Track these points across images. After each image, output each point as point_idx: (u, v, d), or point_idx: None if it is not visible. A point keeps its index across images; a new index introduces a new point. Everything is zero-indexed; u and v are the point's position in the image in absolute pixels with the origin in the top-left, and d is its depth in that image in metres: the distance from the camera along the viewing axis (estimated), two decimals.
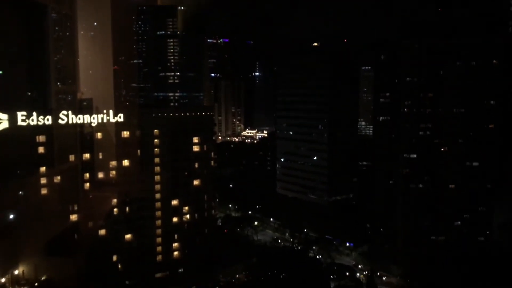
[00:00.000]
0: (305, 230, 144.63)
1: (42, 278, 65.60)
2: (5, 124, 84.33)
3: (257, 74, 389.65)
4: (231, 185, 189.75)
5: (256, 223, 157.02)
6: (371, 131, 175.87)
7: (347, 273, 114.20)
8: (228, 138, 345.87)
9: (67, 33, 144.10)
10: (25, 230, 68.32)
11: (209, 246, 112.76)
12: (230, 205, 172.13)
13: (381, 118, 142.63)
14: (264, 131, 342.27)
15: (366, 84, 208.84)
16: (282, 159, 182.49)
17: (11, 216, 75.53)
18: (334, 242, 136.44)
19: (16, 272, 64.71)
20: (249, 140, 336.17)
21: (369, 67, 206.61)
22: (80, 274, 67.69)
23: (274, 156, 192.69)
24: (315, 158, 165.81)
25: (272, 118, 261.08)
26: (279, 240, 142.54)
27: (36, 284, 64.27)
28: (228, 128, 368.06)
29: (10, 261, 64.24)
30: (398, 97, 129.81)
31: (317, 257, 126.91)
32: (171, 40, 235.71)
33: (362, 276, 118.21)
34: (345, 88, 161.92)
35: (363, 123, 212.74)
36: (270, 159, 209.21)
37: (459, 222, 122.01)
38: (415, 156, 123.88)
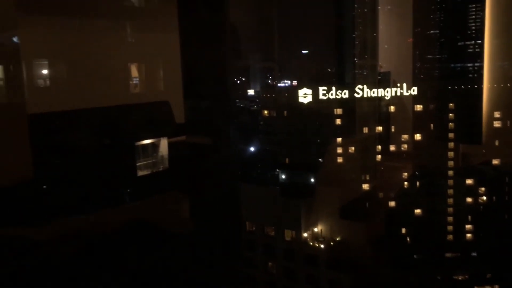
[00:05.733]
0: None
1: (337, 239, 72.35)
2: (309, 98, 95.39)
3: None
4: None
5: None
6: None
7: None
8: None
9: (365, 9, 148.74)
10: (324, 194, 76.48)
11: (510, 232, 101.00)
12: None
13: None
14: None
15: None
16: None
17: (312, 180, 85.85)
18: None
19: (315, 229, 73.29)
20: None
21: None
22: (371, 240, 71.64)
23: None
24: None
25: None
26: None
27: (331, 243, 71.42)
28: None
29: (311, 219, 73.04)
30: None
31: None
32: (473, 5, 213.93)
33: None
34: None
35: None
36: None
37: None
38: None
